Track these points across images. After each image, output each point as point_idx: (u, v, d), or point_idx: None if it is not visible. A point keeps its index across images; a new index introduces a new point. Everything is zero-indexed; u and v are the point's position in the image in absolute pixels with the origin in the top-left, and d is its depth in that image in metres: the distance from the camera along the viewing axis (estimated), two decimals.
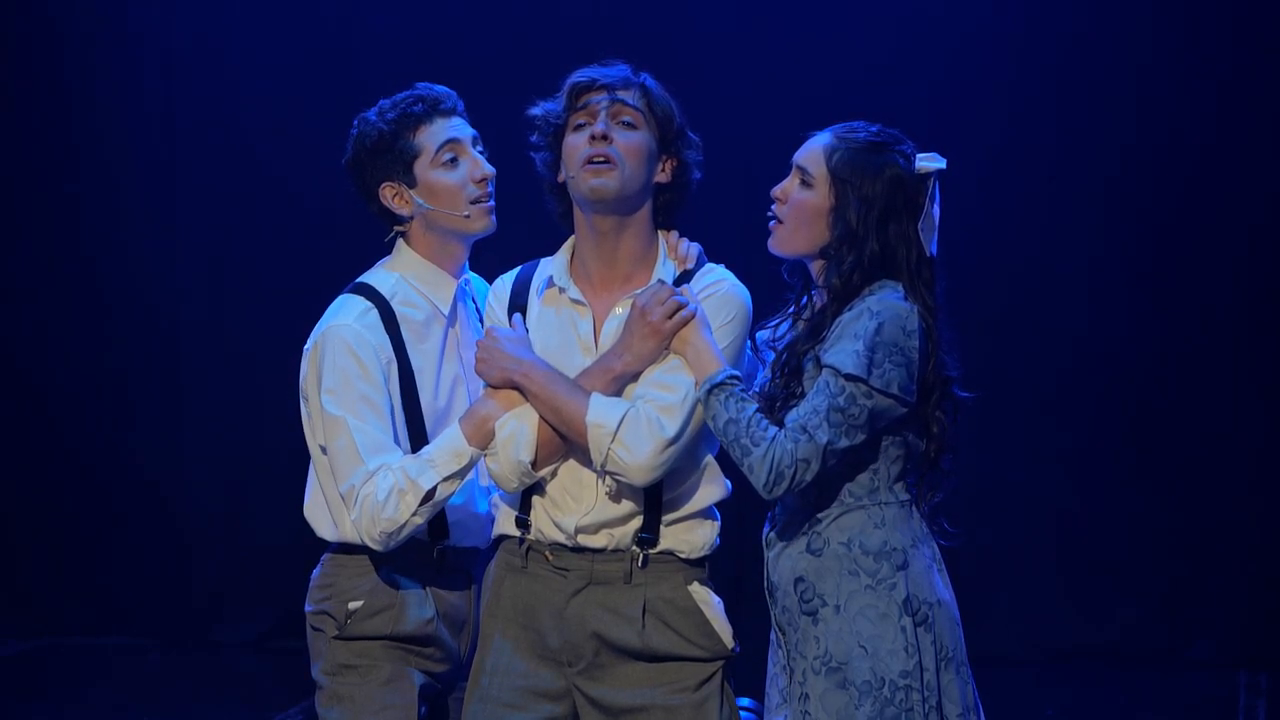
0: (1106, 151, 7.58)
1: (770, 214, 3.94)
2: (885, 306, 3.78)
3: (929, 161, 3.89)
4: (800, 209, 3.89)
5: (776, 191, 3.93)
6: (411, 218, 4.17)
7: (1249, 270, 7.53)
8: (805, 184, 3.89)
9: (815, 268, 3.93)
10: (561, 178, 4.00)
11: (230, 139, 8.08)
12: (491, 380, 3.97)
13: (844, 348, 3.75)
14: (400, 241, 4.22)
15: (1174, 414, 7.61)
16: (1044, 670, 7.58)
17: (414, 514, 3.95)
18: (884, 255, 3.84)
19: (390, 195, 4.16)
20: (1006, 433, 7.59)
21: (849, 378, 3.74)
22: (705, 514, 4.01)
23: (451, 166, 4.13)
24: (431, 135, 4.12)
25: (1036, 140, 7.62)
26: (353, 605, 4.10)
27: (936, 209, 3.89)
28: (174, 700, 7.40)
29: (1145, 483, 7.63)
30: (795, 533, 3.88)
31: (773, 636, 3.98)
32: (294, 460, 7.70)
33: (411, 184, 4.14)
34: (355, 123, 4.21)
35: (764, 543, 3.97)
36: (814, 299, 3.94)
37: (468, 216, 4.13)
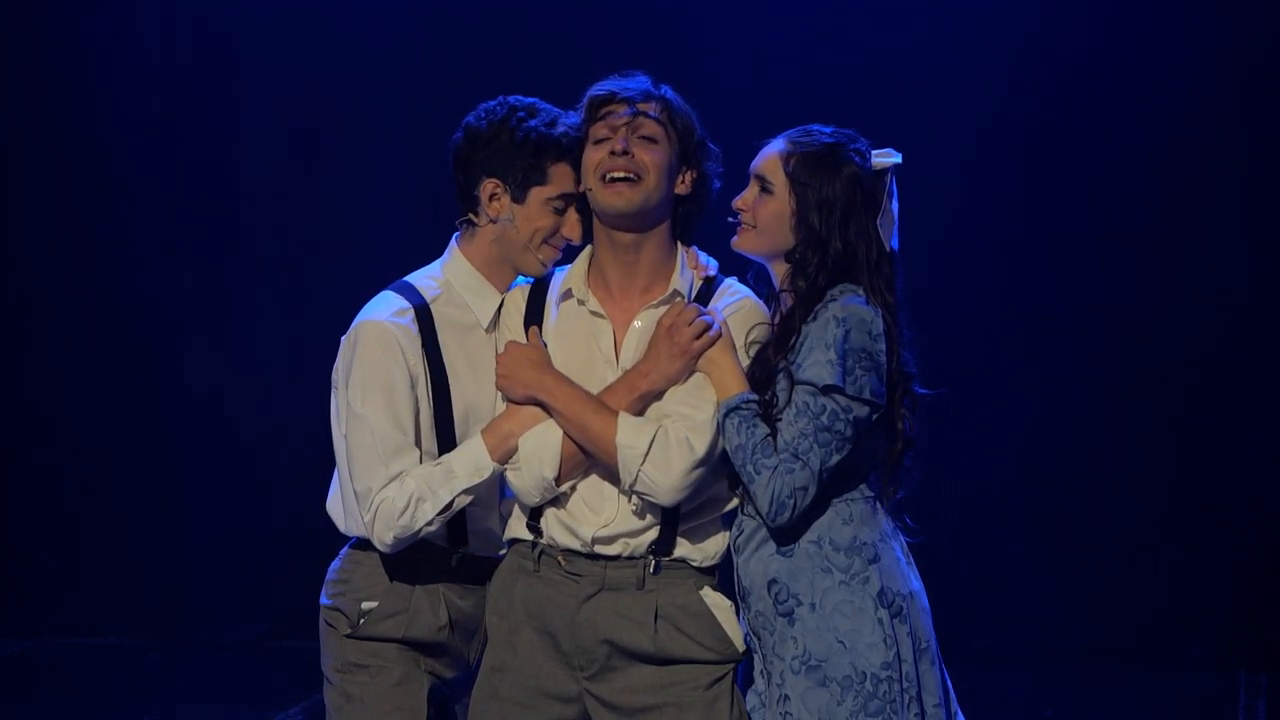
0: (1110, 150, 7.59)
1: (735, 220, 3.96)
2: (850, 312, 3.80)
3: (885, 158, 3.92)
4: (763, 216, 3.91)
5: (738, 202, 3.96)
6: (491, 222, 4.07)
7: (1252, 272, 7.53)
8: (766, 191, 3.92)
9: (778, 272, 3.96)
10: (581, 188, 4.00)
11: (229, 136, 8.08)
12: (514, 396, 3.96)
13: (816, 359, 3.77)
14: (455, 246, 4.14)
15: (1175, 414, 7.61)
16: (1044, 670, 7.58)
17: (428, 522, 3.94)
18: (847, 255, 3.87)
19: (490, 190, 4.05)
20: (1007, 433, 7.60)
21: (826, 390, 3.76)
22: (719, 523, 4.02)
23: (557, 215, 4.05)
24: (566, 176, 4.03)
25: (1042, 136, 7.62)
26: (366, 605, 4.09)
27: (895, 204, 3.92)
28: (174, 700, 7.40)
29: (1146, 482, 7.63)
30: (764, 535, 3.89)
31: (746, 641, 3.99)
32: (294, 461, 7.80)
33: (518, 199, 4.03)
34: (509, 108, 4.05)
35: (732, 548, 3.98)
36: (780, 303, 3.95)
37: (534, 256, 4.05)
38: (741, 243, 3.96)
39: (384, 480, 3.95)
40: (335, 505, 4.15)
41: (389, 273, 4.20)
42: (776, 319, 3.94)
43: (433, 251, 4.18)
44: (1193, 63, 7.50)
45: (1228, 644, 7.58)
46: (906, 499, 3.96)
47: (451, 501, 3.94)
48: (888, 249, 3.90)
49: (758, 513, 3.84)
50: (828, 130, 3.93)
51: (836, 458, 3.79)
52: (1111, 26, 7.55)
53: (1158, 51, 7.52)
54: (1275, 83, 7.46)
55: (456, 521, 4.05)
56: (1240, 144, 7.51)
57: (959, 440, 7.27)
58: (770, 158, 3.93)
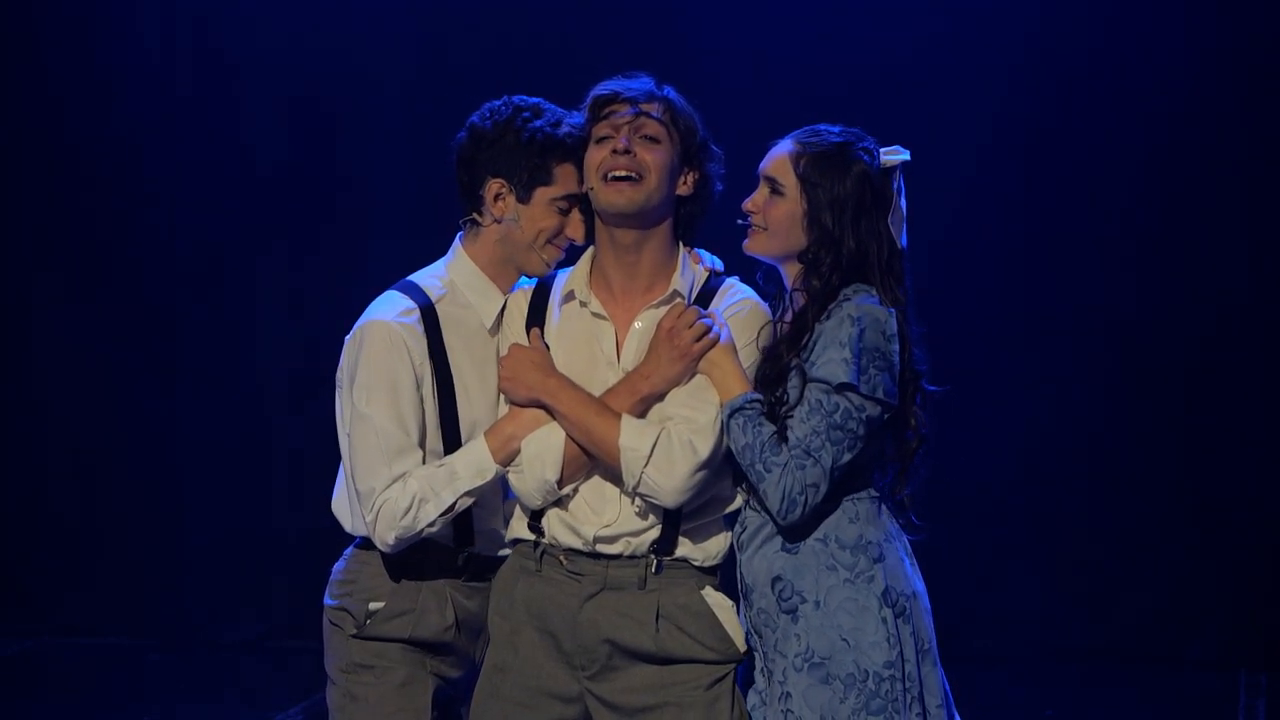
0: (1110, 150, 7.59)
1: (744, 223, 3.96)
2: (865, 312, 3.81)
3: (893, 155, 3.93)
4: (775, 217, 3.91)
5: (748, 204, 3.96)
6: (496, 221, 4.07)
7: (1252, 272, 7.53)
8: (776, 192, 3.92)
9: (790, 272, 3.96)
10: (584, 188, 4.00)
11: (229, 136, 8.08)
12: (517, 399, 3.97)
13: (830, 357, 3.78)
14: (459, 246, 4.14)
15: (1175, 414, 7.62)
16: (1044, 670, 7.58)
17: (431, 523, 3.95)
18: (859, 253, 3.88)
19: (495, 190, 4.04)
20: (1007, 433, 7.60)
21: (840, 388, 3.77)
22: (721, 523, 4.03)
23: (561, 215, 4.05)
24: (571, 177, 4.03)
25: (1042, 136, 7.62)
26: (374, 606, 4.08)
27: (904, 201, 3.93)
28: (174, 700, 7.40)
29: (1146, 482, 7.63)
30: (769, 533, 3.90)
31: (747, 639, 3.99)
32: (295, 461, 7.80)
33: (523, 200, 4.03)
34: (514, 108, 4.05)
35: (735, 545, 3.98)
36: (792, 302, 3.96)
37: (537, 256, 4.05)
38: (753, 245, 3.96)
39: (387, 481, 3.95)
40: (341, 505, 4.14)
41: (390, 272, 4.20)
42: (787, 318, 3.94)
43: (434, 252, 4.19)
44: (1193, 63, 7.50)
45: (1228, 644, 7.58)
46: (912, 496, 3.96)
47: (454, 503, 3.94)
48: (898, 246, 3.90)
49: (766, 511, 3.84)
50: (835, 129, 3.94)
51: (848, 456, 3.79)
52: (1111, 26, 7.56)
53: (1158, 51, 7.53)
54: (1275, 83, 7.47)
55: (463, 521, 4.06)
56: (1240, 144, 7.51)
57: (959, 440, 7.24)
58: (779, 159, 3.93)
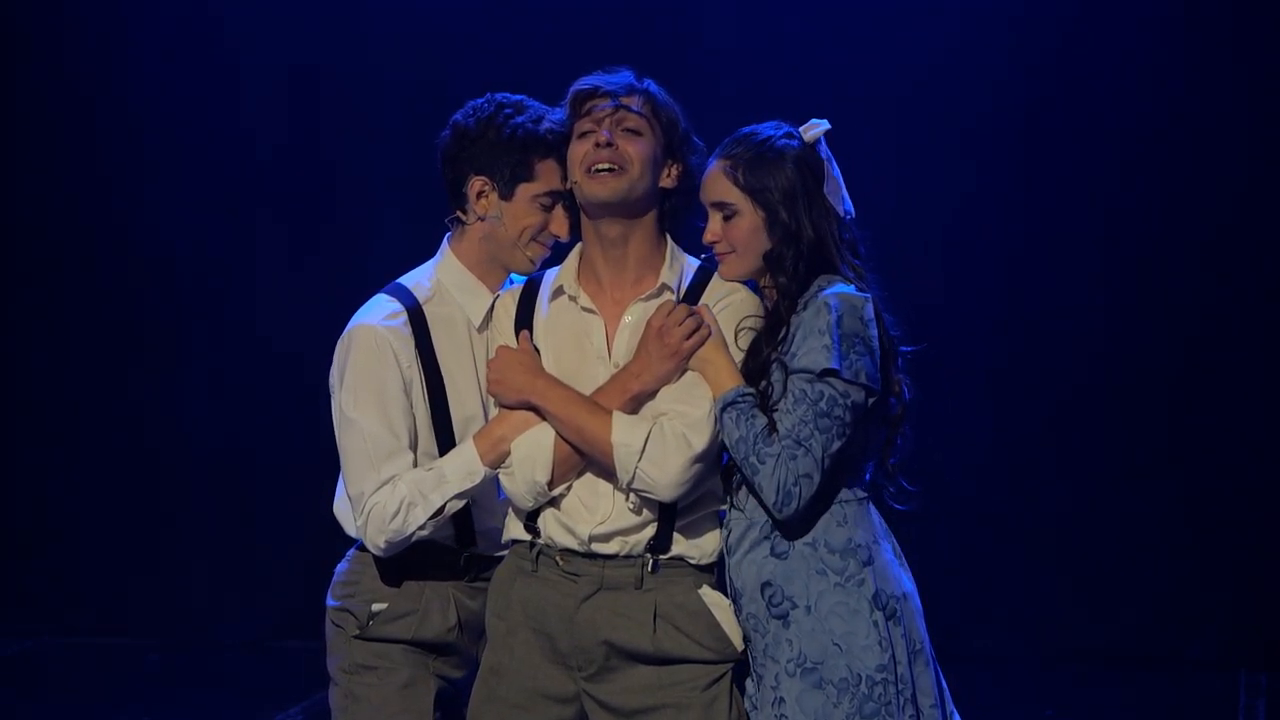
0: (1110, 150, 7.59)
1: (710, 255, 3.96)
2: (840, 298, 3.81)
3: (814, 129, 3.93)
4: (739, 237, 3.91)
5: (708, 236, 3.95)
6: (480, 219, 4.08)
7: (1251, 270, 7.53)
8: (731, 214, 3.92)
9: (761, 278, 3.97)
10: (566, 185, 4.01)
11: (229, 137, 8.08)
12: (506, 401, 3.97)
13: (811, 346, 3.79)
14: (447, 246, 4.15)
15: (1174, 414, 7.62)
16: (1044, 670, 7.58)
17: (420, 526, 3.95)
18: (817, 237, 3.88)
19: (478, 187, 4.06)
20: (1008, 433, 7.60)
21: (823, 375, 3.77)
22: (716, 519, 4.02)
23: (545, 211, 4.06)
24: (553, 173, 4.05)
25: (1041, 136, 7.62)
26: (376, 607, 4.09)
27: (835, 168, 3.93)
28: (174, 700, 7.40)
29: (1146, 483, 7.63)
30: (756, 537, 3.90)
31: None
32: (294, 461, 7.80)
33: (505, 196, 4.05)
34: (497, 105, 4.08)
35: (724, 549, 3.98)
36: (765, 300, 3.97)
37: (522, 253, 4.07)
38: (728, 270, 3.96)
39: (376, 484, 3.96)
40: (343, 508, 4.14)
41: (390, 273, 4.21)
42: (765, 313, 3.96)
43: (433, 252, 4.19)
44: (1193, 63, 7.50)
45: (1228, 644, 7.58)
46: (899, 465, 3.96)
47: (443, 506, 3.94)
48: (843, 214, 3.92)
49: (763, 506, 3.84)
50: (753, 130, 3.95)
51: (837, 444, 3.79)
52: (1111, 26, 7.55)
53: (1158, 51, 7.52)
54: (1275, 83, 7.47)
55: (464, 522, 4.06)
56: (1240, 144, 7.51)
57: (959, 440, 7.28)
58: (718, 181, 3.93)
